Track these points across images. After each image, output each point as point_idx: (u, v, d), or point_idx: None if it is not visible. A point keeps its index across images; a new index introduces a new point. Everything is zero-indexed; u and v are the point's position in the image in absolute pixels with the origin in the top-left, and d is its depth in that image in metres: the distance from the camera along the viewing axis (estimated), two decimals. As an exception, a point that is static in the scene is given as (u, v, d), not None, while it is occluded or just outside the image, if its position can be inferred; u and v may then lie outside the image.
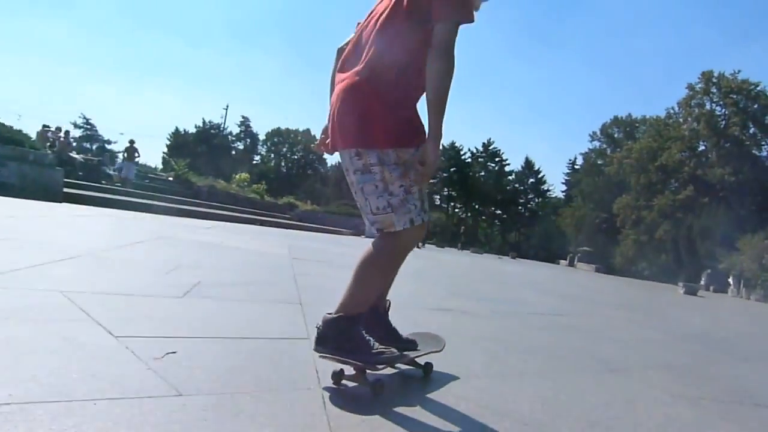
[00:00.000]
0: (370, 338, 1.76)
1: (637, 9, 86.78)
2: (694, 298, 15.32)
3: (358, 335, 1.73)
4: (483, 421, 1.63)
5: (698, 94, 39.49)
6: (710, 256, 28.97)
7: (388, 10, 1.73)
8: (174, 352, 1.73)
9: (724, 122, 38.16)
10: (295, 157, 70.29)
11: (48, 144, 16.00)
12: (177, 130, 61.50)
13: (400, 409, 1.61)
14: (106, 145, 51.00)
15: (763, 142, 38.01)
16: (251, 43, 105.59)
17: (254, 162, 67.04)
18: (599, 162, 51.11)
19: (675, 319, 7.28)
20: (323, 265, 6.17)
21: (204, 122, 62.54)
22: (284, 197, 33.23)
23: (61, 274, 2.82)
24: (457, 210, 64.49)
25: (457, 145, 62.59)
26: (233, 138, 66.96)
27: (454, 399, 1.79)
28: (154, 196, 14.69)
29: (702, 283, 25.34)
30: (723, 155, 36.80)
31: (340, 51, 1.92)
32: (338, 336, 1.68)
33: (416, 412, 1.62)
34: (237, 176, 31.60)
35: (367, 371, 1.72)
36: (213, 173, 31.32)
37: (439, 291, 5.71)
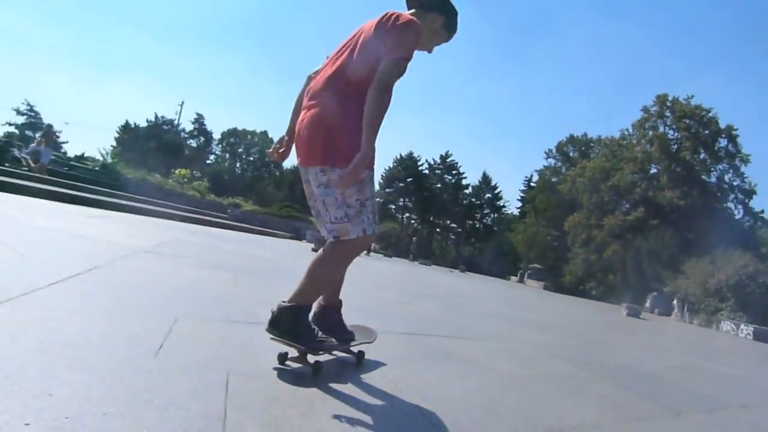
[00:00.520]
0: (315, 327, 2.11)
1: (598, 32, 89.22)
2: (635, 321, 14.39)
3: (305, 323, 2.06)
4: (397, 395, 2.05)
5: (652, 116, 40.03)
6: (657, 278, 28.80)
7: (349, 50, 2.11)
8: None
9: (676, 146, 38.67)
10: (251, 158, 67.90)
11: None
12: (127, 123, 58.05)
13: (334, 385, 2.00)
14: (48, 134, 47.75)
15: (712, 168, 38.65)
16: (215, 40, 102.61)
17: (208, 162, 64.43)
18: (554, 180, 51.07)
19: (602, 346, 6.02)
20: (176, 259, 5.23)
21: (156, 117, 59.33)
22: (232, 198, 31.48)
23: None
24: (412, 221, 63.21)
25: (414, 155, 61.77)
26: (186, 135, 63.89)
27: (380, 379, 2.24)
28: (65, 184, 12.83)
29: (647, 305, 24.98)
30: (673, 178, 37.18)
31: (309, 79, 2.26)
32: (289, 321, 1.99)
33: (348, 388, 2.02)
34: (176, 172, 30.42)
35: (309, 355, 2.09)
36: (163, 170, 29.58)
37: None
